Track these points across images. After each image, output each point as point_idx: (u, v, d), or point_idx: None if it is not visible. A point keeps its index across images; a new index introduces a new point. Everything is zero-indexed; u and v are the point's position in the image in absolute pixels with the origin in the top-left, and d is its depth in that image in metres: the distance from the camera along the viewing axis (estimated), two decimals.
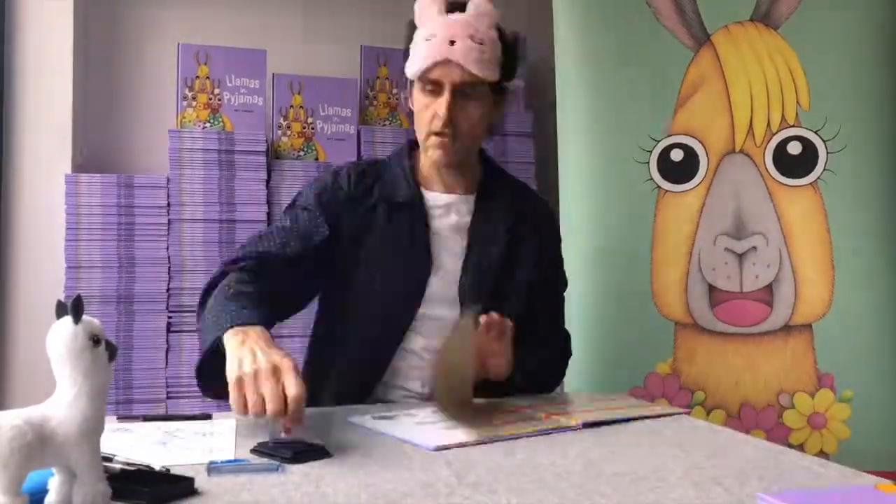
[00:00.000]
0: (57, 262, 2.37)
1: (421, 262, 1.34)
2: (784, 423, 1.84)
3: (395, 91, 2.83)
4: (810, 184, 1.87)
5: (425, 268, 1.34)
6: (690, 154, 1.91)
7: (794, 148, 1.88)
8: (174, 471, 0.80)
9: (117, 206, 2.41)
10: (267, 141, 2.59)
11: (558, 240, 1.51)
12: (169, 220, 2.45)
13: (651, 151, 1.92)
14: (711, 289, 1.88)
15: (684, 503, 0.75)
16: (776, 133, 1.89)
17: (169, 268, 2.43)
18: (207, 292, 1.22)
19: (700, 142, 1.91)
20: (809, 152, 1.87)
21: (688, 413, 1.27)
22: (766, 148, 1.89)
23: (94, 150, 2.71)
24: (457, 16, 1.30)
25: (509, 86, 1.39)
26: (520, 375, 1.31)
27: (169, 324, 2.43)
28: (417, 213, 1.36)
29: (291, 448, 0.90)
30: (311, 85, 2.70)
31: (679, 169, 1.91)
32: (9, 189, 2.45)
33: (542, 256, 1.43)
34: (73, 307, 0.63)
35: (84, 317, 0.64)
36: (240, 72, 2.58)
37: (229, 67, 2.56)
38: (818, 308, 1.85)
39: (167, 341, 2.42)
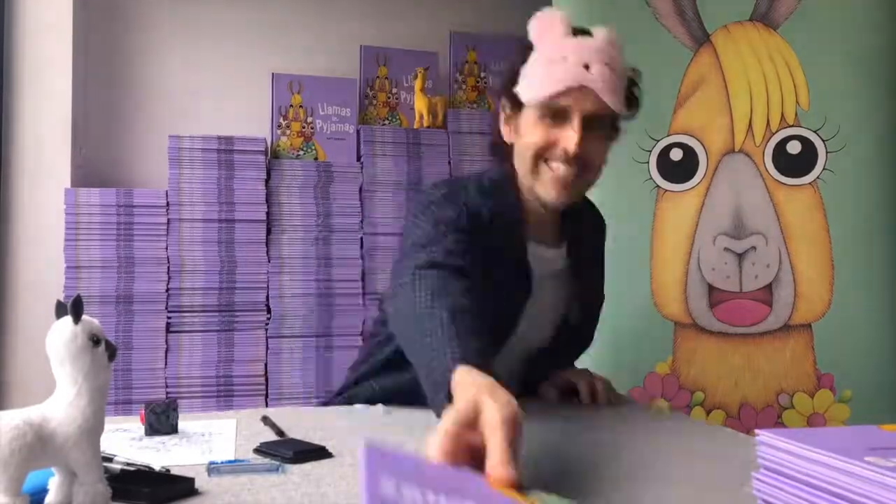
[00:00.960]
0: (56, 262, 2.37)
1: (519, 290, 1.21)
2: (783, 423, 1.85)
3: (394, 90, 2.83)
4: (810, 183, 1.87)
5: (523, 291, 1.21)
6: (690, 154, 1.91)
7: (794, 147, 1.88)
8: (174, 471, 0.80)
9: (116, 207, 2.41)
10: (266, 143, 2.59)
11: (603, 240, 1.46)
12: (168, 220, 2.44)
13: (650, 151, 1.92)
14: (711, 289, 1.88)
15: (684, 503, 0.75)
16: (775, 132, 1.89)
17: (168, 268, 2.43)
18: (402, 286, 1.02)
19: (699, 141, 1.91)
20: (809, 152, 1.87)
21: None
22: (765, 147, 1.89)
23: (94, 151, 2.71)
24: (588, 39, 1.15)
25: (624, 123, 1.24)
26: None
27: (168, 324, 2.43)
28: (522, 268, 1.21)
29: (291, 448, 0.91)
30: (310, 85, 2.71)
31: (678, 168, 1.91)
32: (9, 189, 2.45)
33: (597, 259, 1.41)
34: (73, 307, 0.63)
35: (84, 317, 0.64)
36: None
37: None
38: (818, 308, 1.85)
39: (166, 341, 2.42)
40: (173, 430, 1.04)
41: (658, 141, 1.92)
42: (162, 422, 1.04)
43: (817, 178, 1.87)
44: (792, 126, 1.88)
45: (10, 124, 2.45)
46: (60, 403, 0.63)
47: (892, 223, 1.85)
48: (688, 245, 1.89)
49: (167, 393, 2.41)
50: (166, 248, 2.43)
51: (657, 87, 1.92)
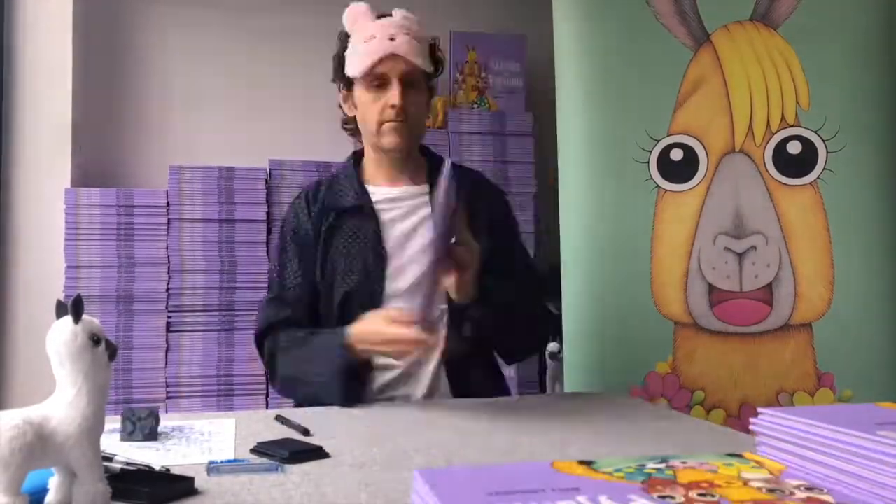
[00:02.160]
0: (57, 262, 2.37)
1: (375, 257, 1.41)
2: None
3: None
4: (810, 183, 1.87)
5: (380, 262, 1.41)
6: (690, 153, 1.91)
7: (794, 147, 1.88)
8: (174, 470, 0.80)
9: (117, 206, 2.41)
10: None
11: (506, 206, 1.57)
12: (168, 220, 2.44)
13: (651, 151, 1.92)
14: (711, 288, 1.88)
15: None
16: (776, 132, 1.88)
17: (168, 267, 2.44)
18: (272, 358, 1.42)
19: (700, 141, 1.91)
20: (809, 152, 1.87)
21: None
22: (765, 147, 1.89)
23: (95, 150, 2.71)
24: (388, 19, 1.42)
25: (433, 83, 1.51)
26: (485, 305, 1.29)
27: (168, 323, 2.43)
28: (366, 212, 1.44)
29: (288, 448, 0.91)
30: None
31: (679, 168, 1.91)
32: (9, 189, 2.45)
33: (494, 225, 1.46)
34: (73, 307, 0.63)
35: (84, 316, 0.64)
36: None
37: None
38: (818, 307, 1.85)
39: (166, 341, 2.42)
40: (151, 436, 1.01)
41: (658, 141, 1.92)
42: (143, 427, 1.01)
43: (817, 178, 1.87)
44: (792, 126, 1.88)
45: (10, 124, 2.45)
46: (60, 403, 0.63)
47: (892, 223, 1.85)
48: (688, 245, 1.89)
49: (167, 392, 2.41)
50: (166, 248, 2.43)
51: (657, 87, 1.92)
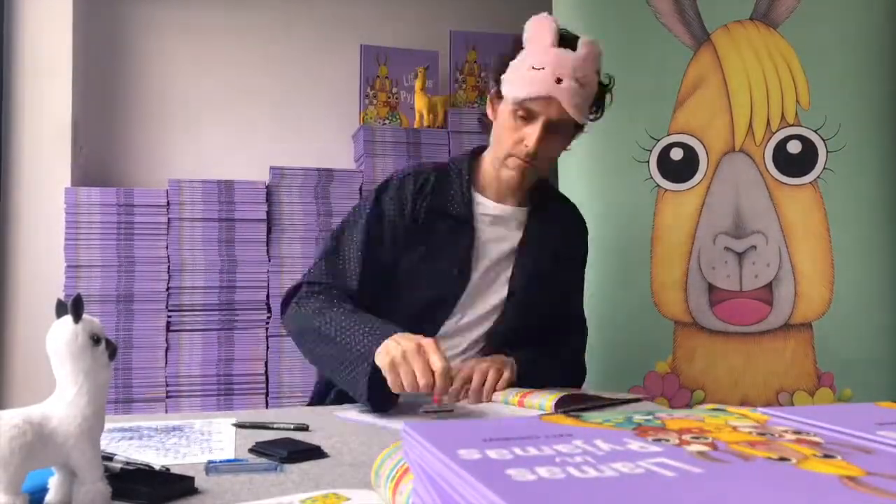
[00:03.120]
0: (57, 261, 2.37)
1: (459, 273, 1.39)
2: None
3: (394, 90, 2.83)
4: (810, 183, 1.87)
5: (462, 279, 1.39)
6: (690, 153, 1.91)
7: (794, 147, 1.88)
8: (174, 470, 0.80)
9: (117, 206, 2.41)
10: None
11: (587, 248, 1.59)
12: (168, 220, 2.45)
13: (651, 150, 1.92)
14: (711, 288, 1.88)
15: None
16: (776, 132, 1.89)
17: (168, 267, 2.44)
18: (288, 303, 1.35)
19: (700, 141, 1.91)
20: (809, 151, 1.87)
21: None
22: (765, 147, 1.89)
23: (95, 150, 2.71)
24: (568, 53, 1.32)
25: (589, 123, 1.45)
26: (525, 378, 1.33)
27: (168, 323, 2.43)
28: (466, 228, 1.41)
29: (286, 448, 0.91)
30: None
31: (679, 168, 1.91)
32: (9, 188, 2.45)
33: (578, 266, 1.55)
34: (74, 306, 0.63)
35: (84, 316, 0.64)
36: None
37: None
38: (818, 307, 1.85)
39: (166, 340, 2.42)
40: None
41: (658, 140, 1.92)
42: None
43: (817, 177, 1.87)
44: (792, 125, 1.88)
45: (10, 124, 2.45)
46: (61, 402, 0.63)
47: (892, 223, 1.85)
48: (688, 244, 1.89)
49: (167, 392, 2.41)
50: (166, 248, 2.43)
51: (657, 87, 1.92)
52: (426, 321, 1.37)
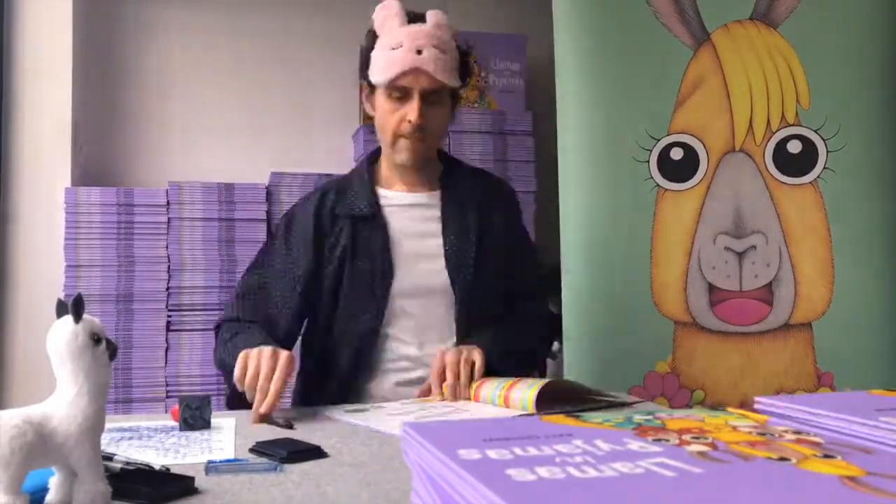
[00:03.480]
0: (57, 261, 2.37)
1: (384, 268, 1.40)
2: None
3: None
4: (810, 182, 1.87)
5: (388, 274, 1.40)
6: (690, 153, 1.91)
7: (794, 147, 1.88)
8: (174, 470, 0.80)
9: (117, 206, 2.41)
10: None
11: (519, 213, 1.60)
12: (168, 219, 2.45)
13: (651, 150, 1.92)
14: (711, 287, 1.88)
15: None
16: (776, 132, 1.88)
17: (168, 266, 2.44)
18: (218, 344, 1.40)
19: (700, 140, 1.90)
20: (809, 151, 1.87)
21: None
22: (765, 147, 1.88)
23: (95, 150, 2.71)
24: (419, 25, 1.38)
25: (462, 91, 1.50)
26: (496, 358, 1.34)
27: (168, 322, 2.43)
28: (378, 221, 1.43)
29: (286, 448, 0.91)
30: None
31: (679, 168, 1.91)
32: (9, 188, 2.45)
33: (508, 232, 1.53)
34: (74, 306, 0.63)
35: (84, 316, 0.64)
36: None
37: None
38: (818, 307, 1.85)
39: (166, 340, 2.43)
40: (207, 424, 1.06)
41: (658, 140, 1.91)
42: (196, 417, 1.05)
43: (818, 177, 1.86)
44: (792, 125, 1.88)
45: (10, 124, 2.45)
46: (61, 402, 0.63)
47: (892, 223, 1.85)
48: (688, 244, 1.89)
49: (167, 391, 2.41)
50: (166, 247, 2.43)
51: (657, 87, 1.92)
52: (366, 326, 1.38)
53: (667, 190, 1.91)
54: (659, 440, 0.51)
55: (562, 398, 1.20)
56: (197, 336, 2.44)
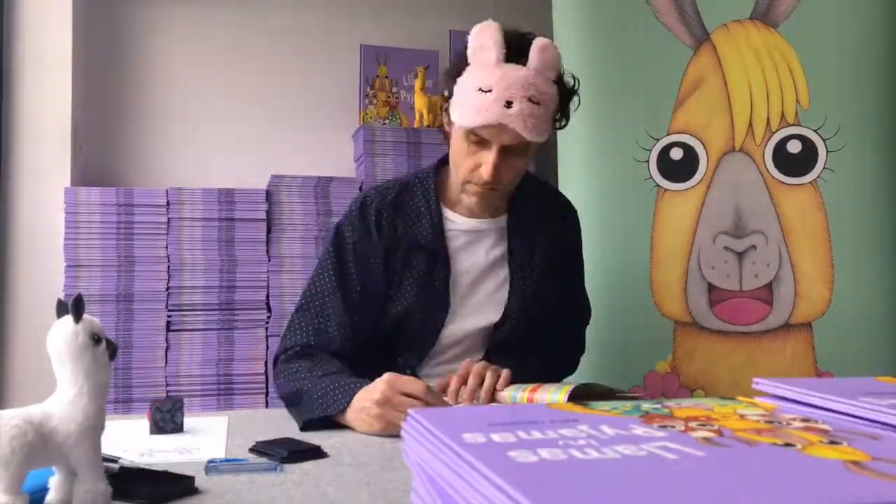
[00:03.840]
0: (57, 261, 2.37)
1: (439, 305, 1.32)
2: None
3: (394, 90, 2.83)
4: (810, 182, 1.87)
5: (442, 311, 1.32)
6: (690, 153, 1.91)
7: (794, 146, 1.88)
8: (174, 470, 0.80)
9: (116, 206, 2.41)
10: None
11: (579, 231, 1.52)
12: (168, 219, 2.44)
13: (651, 150, 1.92)
14: (711, 287, 1.88)
15: None
16: (776, 132, 1.88)
17: (168, 266, 2.44)
18: (282, 369, 1.29)
19: (699, 140, 1.90)
20: (809, 151, 1.87)
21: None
22: (765, 146, 1.89)
23: (95, 150, 2.70)
24: (516, 70, 1.20)
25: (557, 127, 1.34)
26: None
27: (168, 322, 2.43)
28: (440, 255, 1.33)
29: (286, 447, 0.91)
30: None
31: (678, 167, 1.91)
32: (9, 188, 2.45)
33: (569, 254, 1.47)
34: (74, 306, 0.63)
35: (84, 315, 0.64)
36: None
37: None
38: (818, 307, 1.85)
39: (166, 340, 2.42)
40: (178, 428, 1.05)
41: (658, 140, 1.92)
42: (167, 420, 1.04)
43: (817, 177, 1.86)
44: (792, 125, 1.88)
45: (10, 124, 2.45)
46: (61, 402, 0.63)
47: (892, 223, 1.85)
48: (688, 244, 1.89)
49: (167, 391, 2.41)
50: (166, 247, 2.43)
51: (657, 87, 1.92)
52: (412, 352, 1.32)
53: (667, 190, 1.91)
54: (665, 426, 0.51)
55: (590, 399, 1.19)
56: (197, 336, 2.44)
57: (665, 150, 1.91)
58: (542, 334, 1.41)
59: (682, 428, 0.51)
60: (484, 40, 1.23)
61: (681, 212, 1.90)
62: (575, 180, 1.98)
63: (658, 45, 1.92)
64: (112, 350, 0.66)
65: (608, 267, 1.92)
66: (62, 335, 0.63)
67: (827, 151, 1.86)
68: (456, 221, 1.37)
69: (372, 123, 2.75)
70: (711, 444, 0.47)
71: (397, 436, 1.00)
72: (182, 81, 2.80)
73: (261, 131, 2.84)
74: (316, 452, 0.91)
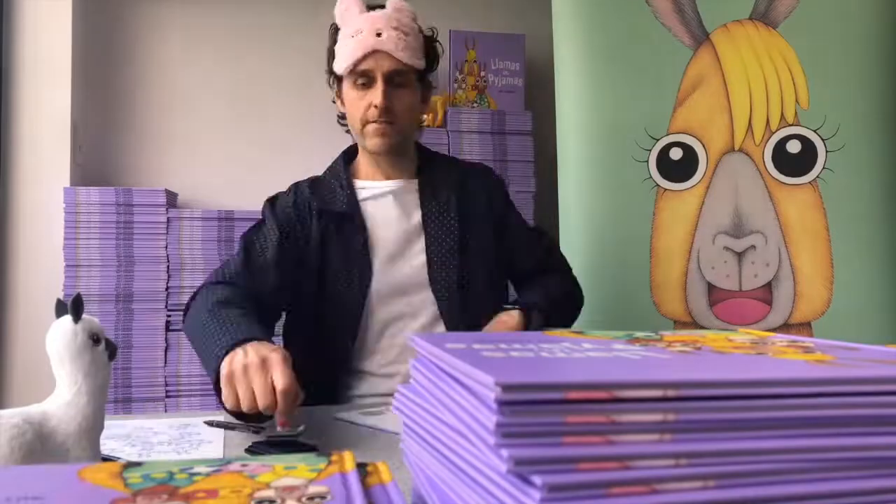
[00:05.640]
0: (56, 260, 2.37)
1: (362, 268, 1.36)
2: None
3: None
4: (809, 182, 1.87)
5: (366, 275, 1.36)
6: (689, 153, 1.91)
7: (794, 146, 1.88)
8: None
9: (116, 205, 2.41)
10: None
11: (503, 192, 1.55)
12: (168, 219, 2.44)
13: (650, 150, 1.92)
14: (710, 287, 1.88)
15: None
16: (775, 132, 1.89)
17: (168, 266, 2.43)
18: (190, 306, 1.26)
19: (699, 140, 1.91)
20: (808, 151, 1.87)
21: None
22: (765, 146, 1.89)
23: (94, 149, 2.70)
24: (378, 11, 1.37)
25: (431, 77, 1.47)
26: (540, 320, 1.34)
27: (168, 322, 2.43)
28: (356, 221, 1.39)
29: (283, 448, 0.90)
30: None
31: (678, 168, 1.91)
32: (9, 188, 2.45)
33: (493, 207, 1.49)
34: (73, 306, 0.63)
35: (84, 315, 0.64)
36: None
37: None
38: (818, 307, 1.85)
39: (166, 339, 2.42)
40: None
41: (658, 140, 1.92)
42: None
43: (817, 177, 1.87)
44: (792, 125, 1.88)
45: (9, 124, 2.45)
46: (60, 402, 0.63)
47: (893, 223, 1.85)
48: (687, 244, 1.89)
49: (167, 391, 2.40)
50: (166, 247, 2.43)
51: (657, 87, 1.92)
52: (345, 328, 1.35)
53: (666, 190, 1.91)
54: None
55: None
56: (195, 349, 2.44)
57: (665, 150, 1.92)
58: (515, 277, 1.51)
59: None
60: (346, 5, 1.39)
61: (680, 212, 1.90)
62: (575, 181, 1.98)
63: (658, 46, 1.92)
64: (112, 350, 0.66)
65: (608, 267, 1.92)
66: (61, 335, 0.63)
67: (826, 151, 1.86)
68: (369, 186, 1.44)
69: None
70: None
71: (393, 433, 1.00)
72: (181, 82, 2.80)
73: (261, 130, 2.84)
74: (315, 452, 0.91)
